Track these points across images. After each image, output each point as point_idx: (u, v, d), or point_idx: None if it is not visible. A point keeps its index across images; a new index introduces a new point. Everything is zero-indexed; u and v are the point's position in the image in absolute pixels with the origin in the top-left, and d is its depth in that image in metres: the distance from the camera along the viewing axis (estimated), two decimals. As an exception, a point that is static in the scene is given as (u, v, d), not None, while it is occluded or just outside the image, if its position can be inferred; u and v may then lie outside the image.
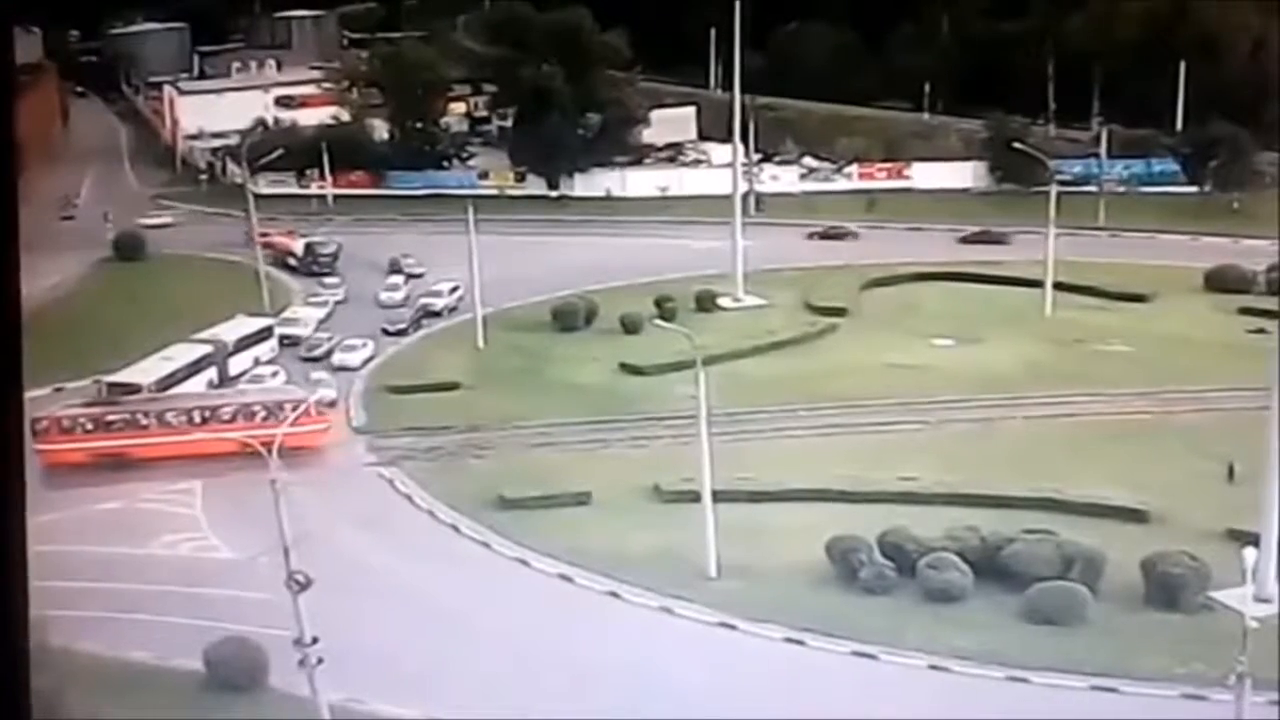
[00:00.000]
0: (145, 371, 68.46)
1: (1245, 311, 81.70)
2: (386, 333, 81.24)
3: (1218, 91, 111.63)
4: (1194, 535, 51.41)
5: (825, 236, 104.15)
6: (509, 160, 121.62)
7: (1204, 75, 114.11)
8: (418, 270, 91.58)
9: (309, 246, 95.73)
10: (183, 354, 71.02)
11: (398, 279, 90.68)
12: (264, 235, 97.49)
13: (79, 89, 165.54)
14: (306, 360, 74.41)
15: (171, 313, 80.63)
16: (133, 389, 66.83)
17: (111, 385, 67.31)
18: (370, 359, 74.37)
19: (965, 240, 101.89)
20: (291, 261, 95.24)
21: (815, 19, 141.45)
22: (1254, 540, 44.65)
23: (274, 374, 73.04)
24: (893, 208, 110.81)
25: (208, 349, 72.36)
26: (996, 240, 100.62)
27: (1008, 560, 49.18)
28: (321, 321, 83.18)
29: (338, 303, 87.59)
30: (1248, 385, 61.76)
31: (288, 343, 77.75)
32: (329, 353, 75.89)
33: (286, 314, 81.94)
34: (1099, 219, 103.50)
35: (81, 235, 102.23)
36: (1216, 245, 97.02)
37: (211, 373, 71.70)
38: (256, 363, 74.46)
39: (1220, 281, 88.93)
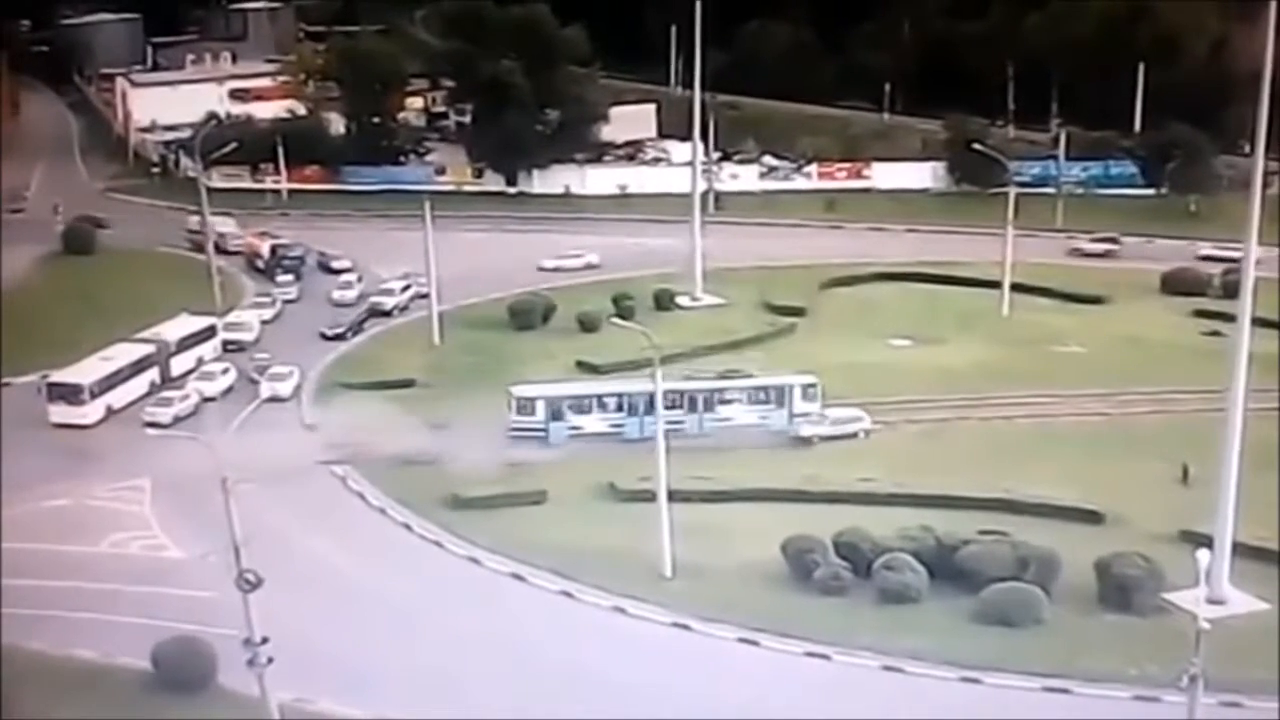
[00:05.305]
0: (86, 371, 67.71)
1: (1200, 314, 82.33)
2: (325, 337, 79.38)
3: (1176, 94, 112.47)
4: (1148, 537, 51.75)
5: None
6: (467, 156, 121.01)
7: (1162, 78, 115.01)
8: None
9: (274, 250, 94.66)
10: (124, 354, 70.20)
11: (350, 277, 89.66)
12: (227, 235, 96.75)
13: (30, 79, 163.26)
14: (254, 383, 72.37)
15: (122, 309, 79.67)
16: (74, 388, 66.22)
17: (52, 385, 66.60)
18: (299, 386, 71.34)
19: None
20: (259, 264, 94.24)
21: (777, 18, 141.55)
22: (1207, 542, 44.85)
23: (224, 370, 72.16)
24: (852, 207, 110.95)
25: (150, 349, 71.52)
26: None
27: (963, 561, 49.24)
28: (266, 323, 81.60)
29: (287, 301, 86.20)
30: (1202, 388, 62.39)
31: (231, 348, 76.38)
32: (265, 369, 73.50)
33: (230, 317, 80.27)
34: (1057, 221, 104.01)
35: (31, 229, 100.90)
36: (1173, 247, 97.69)
37: (153, 373, 70.88)
38: (200, 362, 73.45)
39: (1176, 284, 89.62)
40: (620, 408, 63.96)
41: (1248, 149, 59.26)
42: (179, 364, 72.66)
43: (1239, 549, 48.20)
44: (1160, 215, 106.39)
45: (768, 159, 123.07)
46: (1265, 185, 47.95)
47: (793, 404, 65.44)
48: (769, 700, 42.33)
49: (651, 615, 47.85)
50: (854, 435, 64.40)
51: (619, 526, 53.76)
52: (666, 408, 61.59)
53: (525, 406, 64.67)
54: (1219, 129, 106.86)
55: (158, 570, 51.05)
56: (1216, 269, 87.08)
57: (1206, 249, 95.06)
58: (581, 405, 64.71)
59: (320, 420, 67.39)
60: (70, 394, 66.08)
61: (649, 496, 52.00)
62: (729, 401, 65.79)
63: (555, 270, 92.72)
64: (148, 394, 69.16)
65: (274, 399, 69.45)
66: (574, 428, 64.28)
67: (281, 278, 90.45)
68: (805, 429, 64.62)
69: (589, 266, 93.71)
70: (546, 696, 42.05)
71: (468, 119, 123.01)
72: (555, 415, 64.39)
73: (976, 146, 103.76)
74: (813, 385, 65.87)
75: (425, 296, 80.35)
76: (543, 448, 63.58)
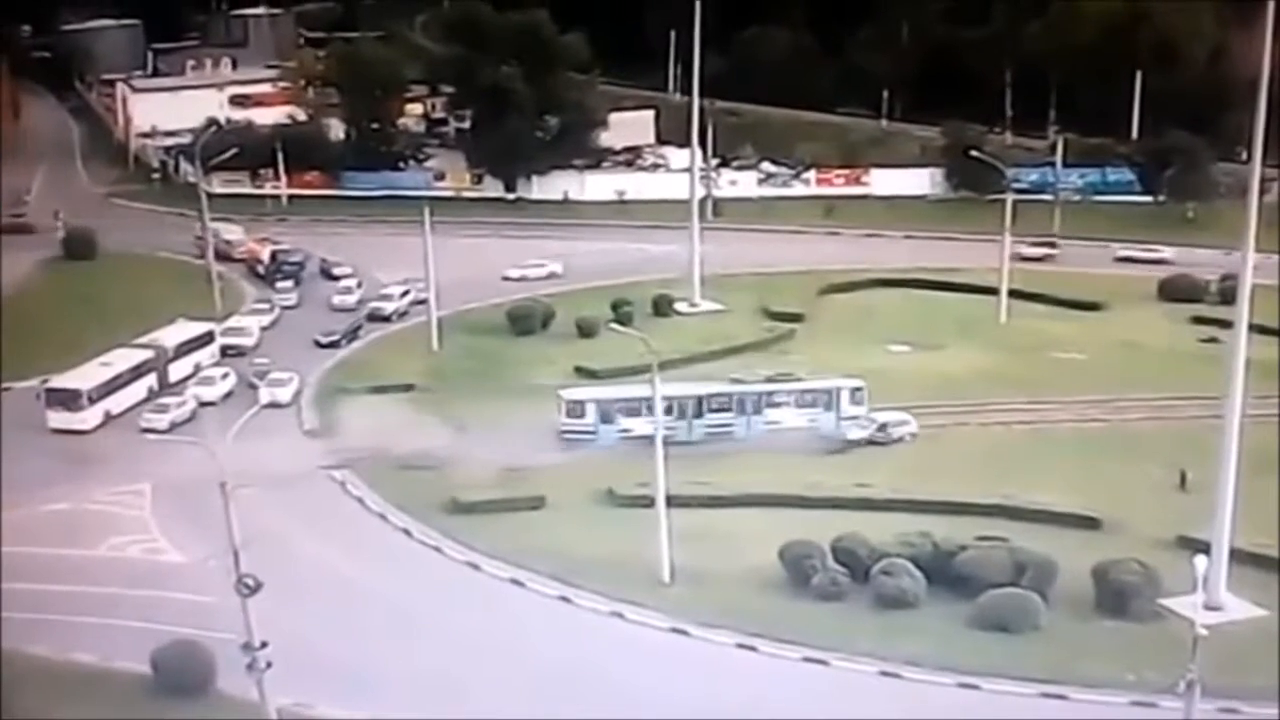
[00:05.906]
0: (85, 376, 67.73)
1: (1198, 320, 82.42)
2: (319, 344, 79.12)
3: (1174, 101, 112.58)
4: (1145, 543, 51.80)
5: None
6: (466, 162, 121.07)
7: (1160, 85, 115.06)
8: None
9: (274, 255, 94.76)
10: (122, 359, 70.21)
11: (350, 283, 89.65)
12: (233, 243, 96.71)
13: (31, 85, 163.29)
14: (253, 388, 72.02)
15: (121, 314, 79.66)
16: (72, 394, 66.23)
17: (50, 390, 66.65)
18: (299, 392, 71.27)
19: None
20: (259, 269, 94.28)
21: (775, 24, 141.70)
22: (1205, 548, 44.95)
23: (223, 376, 72.20)
24: (850, 213, 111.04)
25: (148, 354, 71.52)
26: None
27: (960, 567, 49.30)
28: (265, 329, 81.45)
29: (286, 308, 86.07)
30: (1200, 394, 62.44)
31: (231, 353, 76.36)
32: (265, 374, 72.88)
33: (230, 323, 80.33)
34: (1054, 227, 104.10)
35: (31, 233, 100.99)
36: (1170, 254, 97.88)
37: (152, 378, 70.86)
38: (198, 369, 73.44)
39: (1173, 291, 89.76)
40: (670, 410, 62.63)
41: (1245, 156, 59.49)
42: (177, 370, 72.64)
43: (1236, 555, 48.23)
44: (1158, 222, 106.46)
45: (766, 165, 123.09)
46: (1262, 192, 48.08)
47: (840, 407, 65.64)
48: (767, 705, 42.34)
49: (650, 620, 47.88)
50: (899, 439, 64.64)
51: (620, 530, 53.80)
52: (717, 410, 62.67)
53: (575, 410, 64.89)
54: (1217, 136, 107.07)
55: (157, 574, 51.13)
56: (1213, 275, 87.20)
57: (1124, 251, 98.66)
58: (631, 408, 64.20)
59: (319, 425, 67.55)
60: (69, 399, 66.13)
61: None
62: (778, 405, 66.00)
63: (520, 280, 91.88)
64: (146, 399, 69.14)
65: (273, 404, 69.65)
66: (624, 430, 64.15)
67: (281, 283, 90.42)
68: (853, 432, 64.80)
69: (551, 275, 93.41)
70: (545, 700, 42.10)
71: (467, 125, 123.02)
72: (605, 418, 64.51)
73: (974, 153, 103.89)
74: (860, 388, 66.18)
75: (424, 302, 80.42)
76: (547, 452, 63.64)
